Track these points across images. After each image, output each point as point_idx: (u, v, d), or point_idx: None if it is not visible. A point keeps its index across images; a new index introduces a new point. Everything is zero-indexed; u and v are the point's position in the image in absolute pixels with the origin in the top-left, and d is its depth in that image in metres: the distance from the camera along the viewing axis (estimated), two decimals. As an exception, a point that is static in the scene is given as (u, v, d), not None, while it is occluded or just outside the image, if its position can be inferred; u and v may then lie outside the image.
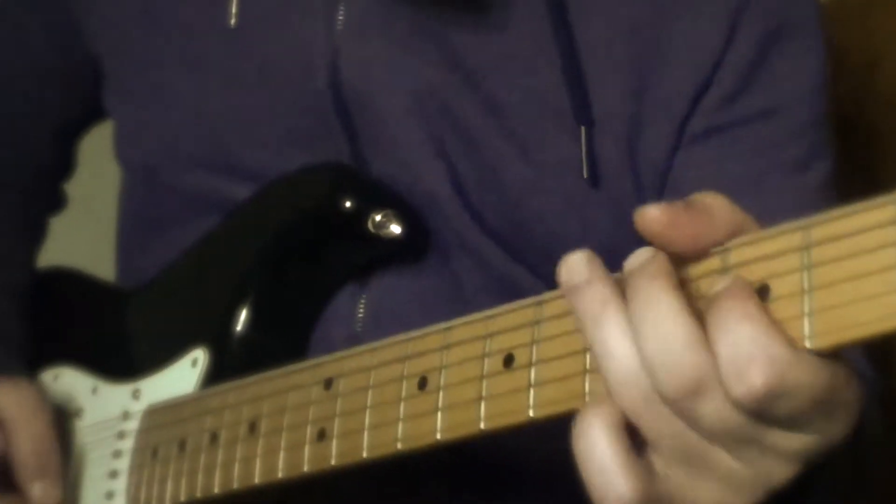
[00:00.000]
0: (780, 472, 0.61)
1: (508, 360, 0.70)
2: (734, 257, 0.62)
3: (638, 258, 0.62)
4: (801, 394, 0.57)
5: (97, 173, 1.18)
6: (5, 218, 1.13)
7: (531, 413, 0.69)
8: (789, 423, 0.59)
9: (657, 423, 0.61)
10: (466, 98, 0.93)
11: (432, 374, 0.74)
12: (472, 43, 0.93)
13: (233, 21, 0.96)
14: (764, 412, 0.58)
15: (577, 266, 0.64)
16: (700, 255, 0.62)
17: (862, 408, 0.62)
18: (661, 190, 0.94)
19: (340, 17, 0.94)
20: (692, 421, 0.60)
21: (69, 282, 1.13)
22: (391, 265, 0.95)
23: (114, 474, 0.97)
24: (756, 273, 0.61)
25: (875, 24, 1.43)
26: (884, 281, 0.56)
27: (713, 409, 0.59)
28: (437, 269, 0.95)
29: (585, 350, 0.66)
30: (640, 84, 0.92)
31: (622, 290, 0.62)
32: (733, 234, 0.62)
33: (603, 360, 0.62)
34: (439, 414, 0.73)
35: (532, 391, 0.69)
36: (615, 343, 0.61)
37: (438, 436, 0.73)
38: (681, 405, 0.59)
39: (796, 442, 0.60)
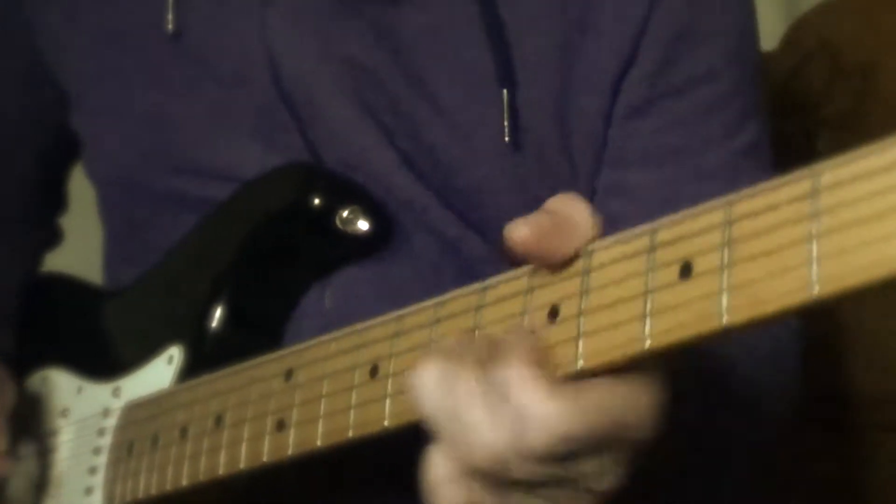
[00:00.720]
0: (606, 482, 0.65)
1: (452, 346, 0.71)
2: (661, 236, 0.62)
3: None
4: (578, 435, 0.62)
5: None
6: None
7: (471, 396, 0.69)
8: (584, 454, 0.64)
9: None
10: (396, 74, 0.94)
11: (383, 361, 0.75)
12: (398, 19, 0.94)
13: (170, 27, 0.98)
14: (557, 457, 0.63)
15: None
16: (564, 263, 0.66)
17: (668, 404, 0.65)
18: (597, 158, 0.94)
19: (271, 11, 0.95)
20: (506, 483, 0.65)
21: (59, 286, 1.15)
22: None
23: (93, 470, 0.98)
24: (681, 251, 0.61)
25: (875, 24, 1.42)
26: (798, 253, 0.56)
27: (515, 471, 0.63)
28: (397, 250, 0.96)
29: (522, 333, 0.67)
30: (567, 52, 0.93)
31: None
32: (593, 238, 0.66)
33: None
34: (388, 400, 0.74)
35: (472, 375, 0.69)
36: (431, 409, 0.66)
37: (386, 422, 0.74)
38: (490, 476, 0.64)
39: (602, 461, 0.64)
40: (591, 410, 0.62)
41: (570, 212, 0.65)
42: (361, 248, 0.94)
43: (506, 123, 0.92)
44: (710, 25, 0.94)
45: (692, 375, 0.78)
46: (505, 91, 0.92)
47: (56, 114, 1.10)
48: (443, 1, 0.93)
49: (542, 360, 0.64)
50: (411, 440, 0.89)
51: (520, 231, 0.65)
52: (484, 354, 0.65)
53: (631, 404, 0.63)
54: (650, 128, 0.93)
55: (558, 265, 0.66)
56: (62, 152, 1.15)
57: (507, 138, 0.92)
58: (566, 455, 0.63)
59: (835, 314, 1.29)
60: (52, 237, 1.21)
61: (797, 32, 1.43)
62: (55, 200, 1.20)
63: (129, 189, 1.04)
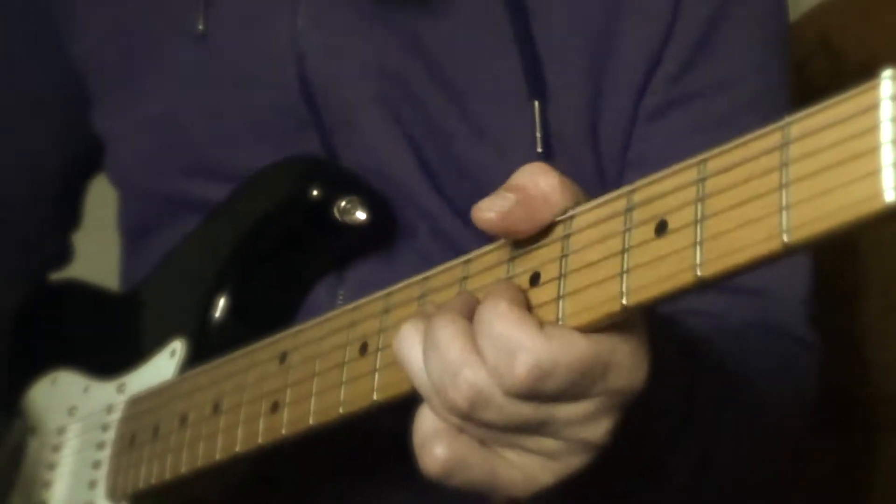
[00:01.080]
0: (592, 433, 0.65)
1: (439, 317, 0.72)
2: (638, 196, 0.63)
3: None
4: (561, 369, 0.62)
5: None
6: None
7: (457, 364, 0.70)
8: (567, 395, 0.63)
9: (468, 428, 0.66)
10: (428, 82, 0.94)
11: (372, 338, 0.76)
12: (431, 28, 0.94)
13: (200, 27, 0.99)
14: (539, 394, 0.63)
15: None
16: (542, 230, 0.66)
17: (655, 358, 0.65)
18: (623, 165, 0.94)
19: (302, 13, 0.96)
20: (487, 424, 0.65)
21: (69, 292, 1.16)
22: (367, 255, 0.96)
23: (97, 464, 0.99)
24: (657, 209, 0.62)
25: (875, 23, 1.43)
26: (769, 203, 0.57)
27: (497, 411, 0.64)
28: (411, 255, 0.96)
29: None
30: (597, 60, 0.93)
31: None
32: (568, 207, 0.66)
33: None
34: (376, 374, 0.74)
35: (457, 344, 0.70)
36: (415, 366, 0.66)
37: (375, 396, 0.74)
38: (470, 418, 0.64)
39: (585, 407, 0.64)
40: (577, 347, 0.62)
41: (537, 184, 0.66)
42: (362, 238, 0.94)
43: (538, 135, 0.93)
44: (735, 32, 0.94)
45: (685, 365, 0.78)
46: (536, 103, 0.93)
47: (80, 121, 1.11)
48: (474, 11, 0.94)
49: (527, 305, 0.65)
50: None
51: (485, 216, 0.66)
52: (462, 305, 0.66)
53: (617, 349, 0.64)
54: (668, 131, 0.93)
55: (534, 236, 0.67)
56: (82, 166, 1.16)
57: (539, 150, 0.93)
58: (550, 393, 0.63)
59: (835, 314, 1.29)
60: (63, 254, 1.21)
61: (798, 32, 1.44)
62: (70, 216, 1.20)
63: (147, 190, 1.05)
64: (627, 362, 0.64)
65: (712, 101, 0.93)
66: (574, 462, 0.67)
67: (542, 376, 0.62)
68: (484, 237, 0.95)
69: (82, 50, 1.07)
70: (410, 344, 0.66)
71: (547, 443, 0.65)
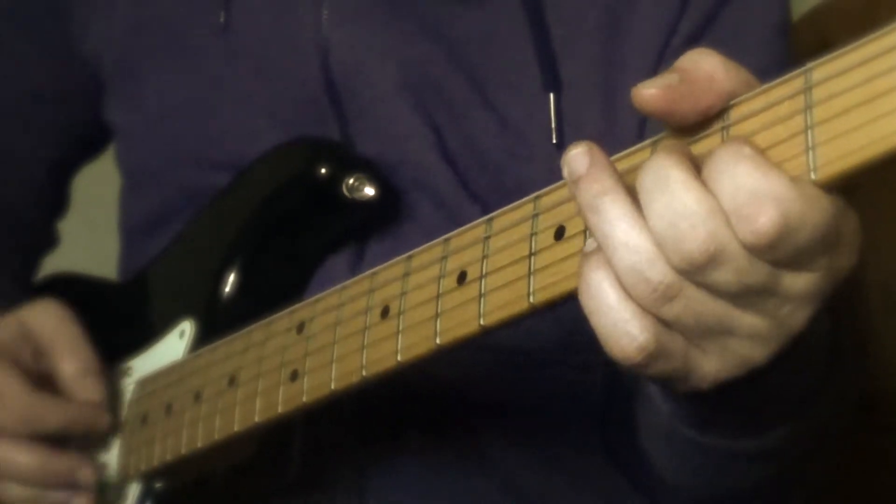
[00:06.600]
0: (798, 317, 0.60)
1: (462, 277, 0.73)
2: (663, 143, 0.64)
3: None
4: (807, 228, 0.57)
5: (103, 176, 1.19)
6: None
7: (481, 321, 0.70)
8: (797, 261, 0.58)
9: (675, 306, 0.60)
10: (450, 70, 0.96)
11: (394, 301, 0.77)
12: (452, 18, 0.96)
13: (222, 19, 1.00)
14: (776, 253, 0.58)
15: (576, 159, 0.62)
16: (705, 120, 0.62)
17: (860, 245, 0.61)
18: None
19: (327, 4, 0.97)
20: (712, 288, 0.59)
21: (66, 284, 1.15)
22: (382, 243, 0.97)
23: (107, 447, 0.99)
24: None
25: (875, 24, 1.44)
26: (795, 144, 0.58)
27: (733, 270, 0.58)
28: (427, 242, 0.97)
29: (530, 255, 0.68)
30: (612, 46, 0.95)
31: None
32: (735, 91, 0.62)
33: (610, 251, 0.60)
34: (399, 336, 0.75)
35: (482, 300, 0.71)
36: (620, 231, 0.60)
37: (399, 357, 0.75)
38: (700, 275, 0.58)
39: (805, 282, 0.59)
40: (823, 204, 0.57)
41: (699, 65, 0.62)
42: (370, 215, 0.95)
43: (553, 126, 0.93)
44: (744, 9, 0.95)
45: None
46: (552, 95, 0.93)
47: (79, 117, 1.12)
48: (492, 5, 0.95)
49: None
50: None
51: (647, 91, 0.61)
52: (684, 148, 0.61)
53: (847, 221, 0.59)
54: None
55: (695, 123, 0.62)
56: (74, 158, 1.18)
57: (554, 140, 0.93)
58: (788, 253, 0.57)
59: (834, 314, 1.29)
60: (52, 241, 1.22)
61: (798, 32, 1.45)
62: (58, 204, 1.21)
63: (160, 179, 1.06)
64: (851, 240, 0.60)
65: None
66: (763, 351, 0.61)
67: (788, 231, 0.57)
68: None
69: (100, 43, 1.08)
70: (614, 212, 0.60)
71: (756, 323, 0.60)
